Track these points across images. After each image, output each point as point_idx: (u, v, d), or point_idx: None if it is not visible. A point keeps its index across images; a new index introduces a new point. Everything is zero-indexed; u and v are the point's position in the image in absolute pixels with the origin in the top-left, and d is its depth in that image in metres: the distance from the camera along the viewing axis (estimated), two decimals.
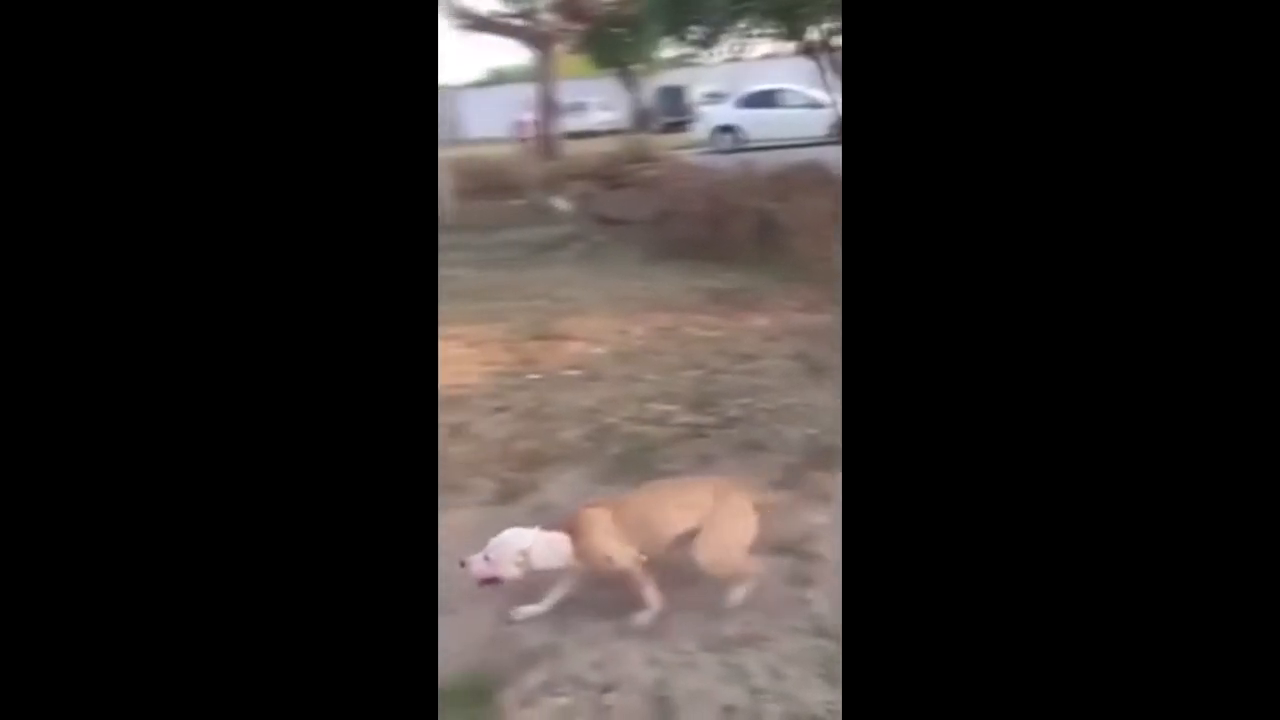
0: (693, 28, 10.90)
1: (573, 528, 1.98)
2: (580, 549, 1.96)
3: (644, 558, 1.96)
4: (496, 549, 1.96)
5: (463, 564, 1.96)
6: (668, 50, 20.67)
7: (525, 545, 1.95)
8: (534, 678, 1.79)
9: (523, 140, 15.42)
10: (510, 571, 1.95)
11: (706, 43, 11.21)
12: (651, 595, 1.96)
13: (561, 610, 2.01)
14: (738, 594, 1.99)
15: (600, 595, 2.00)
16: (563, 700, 1.73)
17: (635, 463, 2.81)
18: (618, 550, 1.95)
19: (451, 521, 2.42)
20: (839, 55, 8.83)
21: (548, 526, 2.01)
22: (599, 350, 4.13)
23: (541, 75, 14.99)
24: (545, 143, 14.27)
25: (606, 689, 1.75)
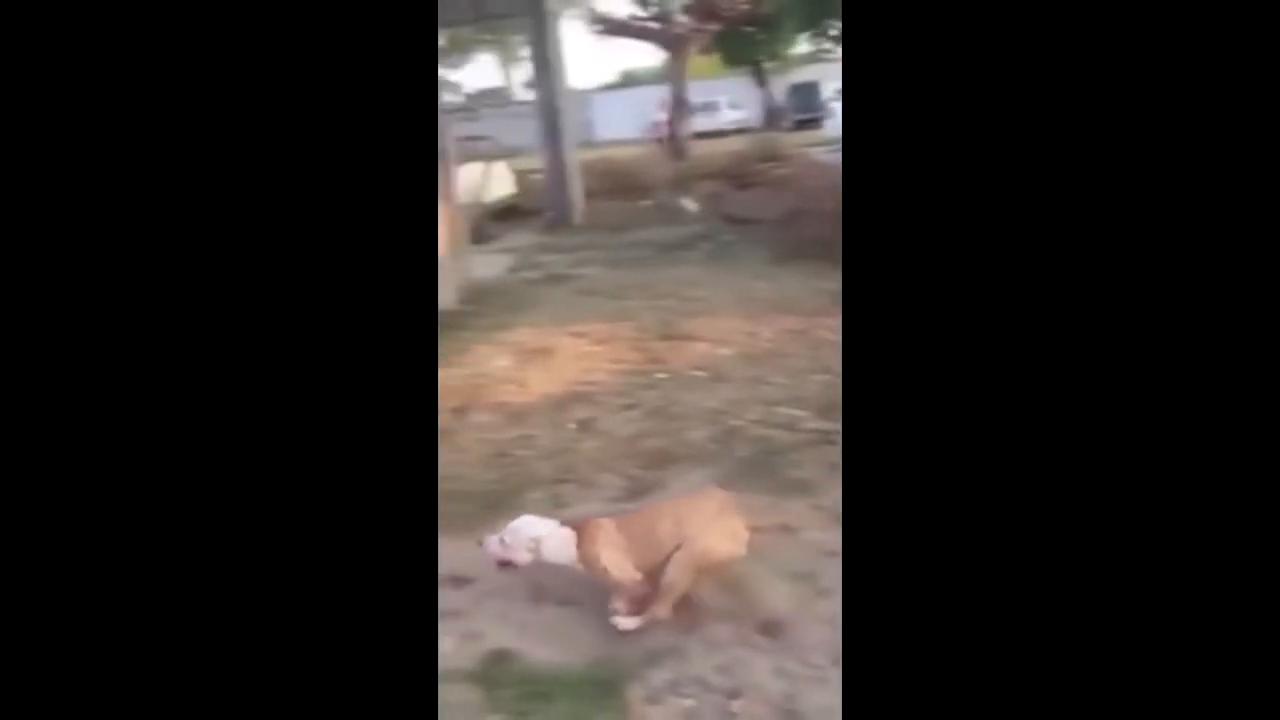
0: (831, 23, 10.64)
1: (579, 532, 1.99)
2: (582, 555, 1.97)
3: (639, 576, 1.95)
4: (512, 533, 1.99)
5: (480, 543, 2.02)
6: (801, 47, 20.31)
7: (539, 535, 1.98)
8: (659, 676, 1.80)
9: (654, 141, 15.56)
10: (522, 557, 1.98)
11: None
12: (630, 606, 1.95)
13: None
14: (629, 618, 1.93)
15: (719, 600, 1.99)
16: (688, 702, 1.72)
17: (762, 466, 2.77)
18: (615, 563, 1.94)
19: (581, 515, 2.48)
20: None
21: (565, 524, 2.02)
22: (726, 351, 4.11)
23: (673, 76, 15.10)
24: (675, 143, 14.36)
25: (732, 695, 1.73)
